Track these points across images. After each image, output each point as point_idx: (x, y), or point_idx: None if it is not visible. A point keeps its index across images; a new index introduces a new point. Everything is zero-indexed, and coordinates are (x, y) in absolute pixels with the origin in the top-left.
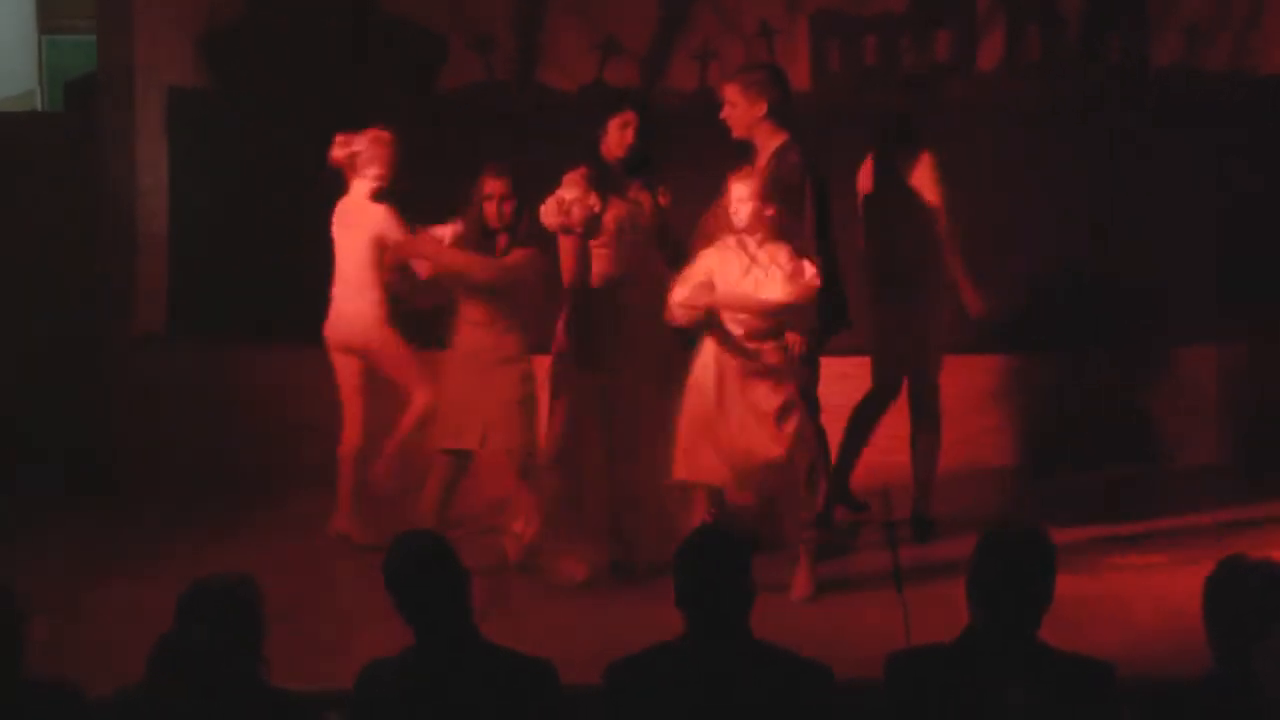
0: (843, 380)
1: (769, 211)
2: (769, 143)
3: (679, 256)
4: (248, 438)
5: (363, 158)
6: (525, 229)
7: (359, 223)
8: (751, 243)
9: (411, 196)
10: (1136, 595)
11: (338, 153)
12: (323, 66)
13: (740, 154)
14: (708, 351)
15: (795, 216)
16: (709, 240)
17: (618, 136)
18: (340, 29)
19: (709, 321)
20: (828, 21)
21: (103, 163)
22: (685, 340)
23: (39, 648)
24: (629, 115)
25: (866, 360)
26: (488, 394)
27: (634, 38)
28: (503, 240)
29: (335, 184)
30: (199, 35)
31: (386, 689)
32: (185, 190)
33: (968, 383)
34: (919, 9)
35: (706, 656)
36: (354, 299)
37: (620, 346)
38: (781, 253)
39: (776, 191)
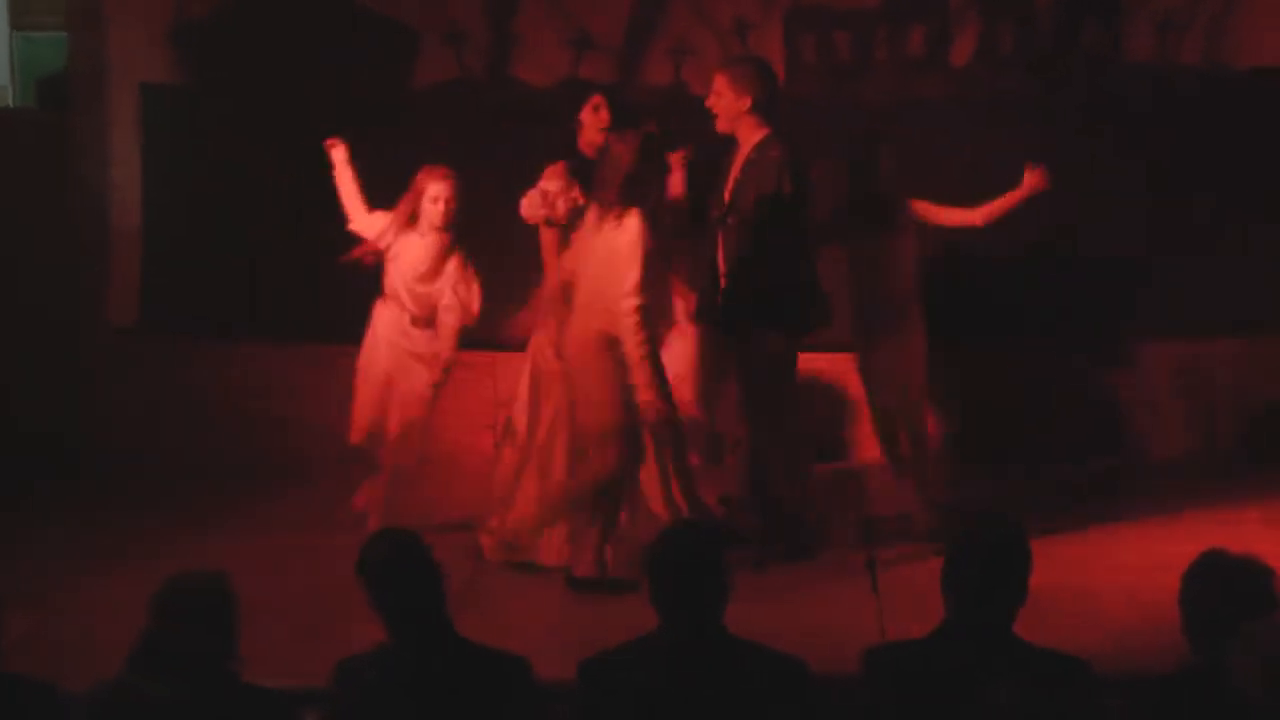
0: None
1: None
2: (751, 136)
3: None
4: (221, 432)
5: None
6: None
7: None
8: None
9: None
10: (1111, 590)
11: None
12: (295, 62)
13: (724, 146)
14: None
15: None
16: None
17: (593, 120)
18: (312, 24)
19: None
20: (802, 16)
21: (75, 159)
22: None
23: (13, 643)
24: (596, 98)
25: (844, 356)
26: None
27: (608, 32)
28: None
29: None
30: (170, 31)
31: (362, 685)
32: (158, 186)
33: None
34: (893, 3)
35: (680, 652)
36: None
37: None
38: None
39: (754, 186)
